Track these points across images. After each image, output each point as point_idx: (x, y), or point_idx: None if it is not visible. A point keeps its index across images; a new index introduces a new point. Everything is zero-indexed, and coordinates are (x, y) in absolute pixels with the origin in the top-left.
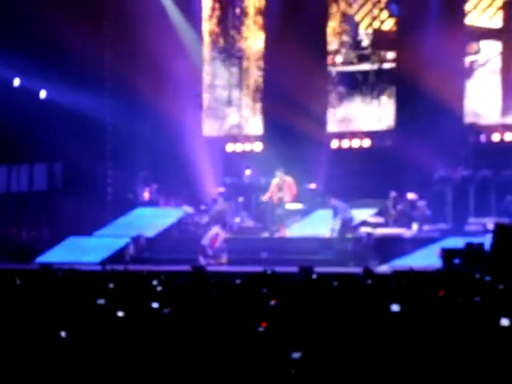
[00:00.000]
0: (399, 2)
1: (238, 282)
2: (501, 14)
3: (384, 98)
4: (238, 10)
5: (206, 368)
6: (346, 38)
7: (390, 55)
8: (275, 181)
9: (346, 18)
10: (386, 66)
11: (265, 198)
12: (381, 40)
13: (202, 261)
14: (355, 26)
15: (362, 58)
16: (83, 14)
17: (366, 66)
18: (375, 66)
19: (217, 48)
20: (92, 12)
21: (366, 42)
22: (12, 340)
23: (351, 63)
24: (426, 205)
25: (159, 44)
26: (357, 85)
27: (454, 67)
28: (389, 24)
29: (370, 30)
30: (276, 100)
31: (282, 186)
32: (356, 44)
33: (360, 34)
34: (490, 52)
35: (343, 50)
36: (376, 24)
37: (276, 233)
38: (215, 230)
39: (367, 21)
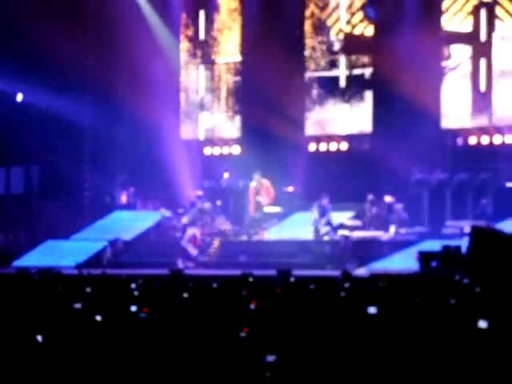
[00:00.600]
0: (376, 5)
1: (215, 285)
2: (471, 18)
3: (361, 102)
4: (213, 14)
5: (183, 372)
6: (319, 42)
7: (365, 59)
8: (253, 184)
9: (319, 23)
10: (362, 70)
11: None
12: (353, 44)
13: (181, 264)
14: (327, 31)
15: (336, 63)
16: (64, 18)
17: (341, 71)
18: (350, 71)
19: (193, 51)
20: (73, 17)
21: (337, 47)
22: None
23: (326, 68)
24: (403, 208)
25: (139, 48)
26: (334, 88)
27: (431, 71)
28: (360, 28)
29: (342, 35)
30: (254, 103)
31: (259, 190)
32: (330, 48)
33: (332, 38)
34: (460, 56)
35: (317, 55)
36: (348, 28)
37: (254, 236)
38: (191, 231)
39: (339, 25)
